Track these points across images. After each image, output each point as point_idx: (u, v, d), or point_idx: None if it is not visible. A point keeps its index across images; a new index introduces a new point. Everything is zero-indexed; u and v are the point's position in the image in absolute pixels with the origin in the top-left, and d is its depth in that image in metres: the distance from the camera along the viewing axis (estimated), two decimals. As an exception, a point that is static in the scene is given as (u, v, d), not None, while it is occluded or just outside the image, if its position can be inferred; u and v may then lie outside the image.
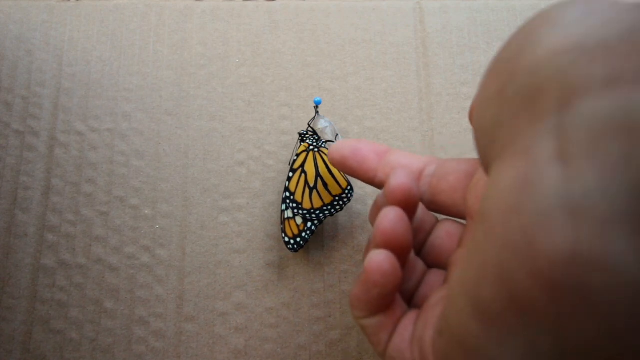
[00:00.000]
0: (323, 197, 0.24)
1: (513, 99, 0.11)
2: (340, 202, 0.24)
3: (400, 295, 0.17)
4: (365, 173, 0.19)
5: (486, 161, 0.13)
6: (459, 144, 0.27)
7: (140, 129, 0.27)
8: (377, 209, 0.18)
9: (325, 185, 0.24)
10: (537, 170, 0.10)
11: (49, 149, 0.26)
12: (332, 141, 0.25)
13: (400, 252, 0.15)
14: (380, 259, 0.15)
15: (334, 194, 0.24)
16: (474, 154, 0.26)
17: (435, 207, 0.18)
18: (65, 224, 0.25)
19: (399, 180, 0.16)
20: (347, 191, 0.24)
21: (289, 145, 0.26)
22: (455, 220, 0.18)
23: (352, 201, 0.25)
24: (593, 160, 0.09)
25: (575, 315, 0.09)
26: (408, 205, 0.16)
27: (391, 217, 0.15)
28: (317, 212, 0.24)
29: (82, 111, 0.27)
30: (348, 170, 0.19)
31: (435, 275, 0.18)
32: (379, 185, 0.18)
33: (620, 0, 0.11)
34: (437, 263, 0.18)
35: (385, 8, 0.29)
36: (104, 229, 0.25)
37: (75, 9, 0.28)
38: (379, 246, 0.15)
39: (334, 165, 0.19)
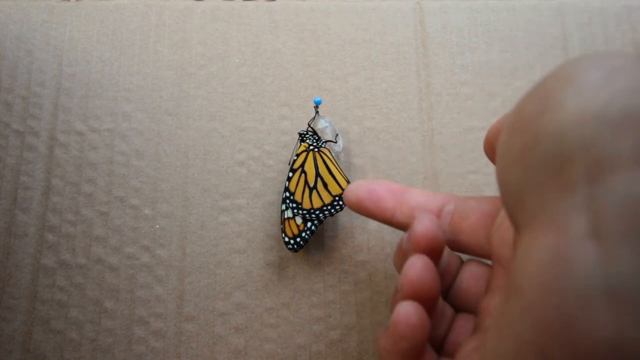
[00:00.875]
0: (323, 197, 0.24)
1: (539, 165, 0.11)
2: (341, 202, 0.24)
3: (430, 342, 0.17)
4: (382, 213, 0.18)
5: (514, 221, 0.13)
6: (459, 144, 0.27)
7: (140, 129, 0.27)
8: (401, 253, 0.17)
9: (325, 185, 0.24)
10: (572, 249, 0.09)
11: (49, 149, 0.26)
12: (332, 141, 0.25)
13: (428, 301, 0.15)
14: (408, 312, 0.14)
15: (334, 194, 0.24)
16: (473, 154, 0.26)
17: (457, 246, 0.18)
18: (65, 224, 0.25)
19: (424, 227, 0.15)
20: (347, 191, 0.24)
21: (289, 145, 0.26)
22: (480, 262, 0.18)
23: (352, 201, 0.25)
24: (630, 240, 0.09)
25: None
26: (434, 251, 0.16)
27: (418, 267, 0.15)
28: (317, 212, 0.24)
29: (82, 111, 0.27)
30: (364, 212, 0.19)
31: (464, 321, 0.17)
32: (397, 225, 0.18)
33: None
34: (465, 306, 0.18)
35: (385, 8, 0.29)
36: (104, 229, 0.25)
37: (75, 9, 0.28)
38: (406, 297, 0.15)
39: (350, 207, 0.19)
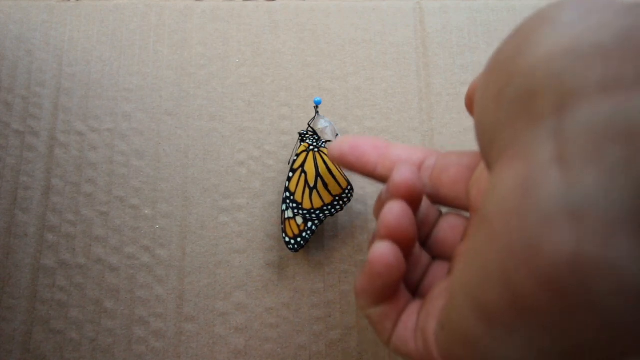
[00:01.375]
0: (323, 197, 0.24)
1: (511, 101, 0.11)
2: (341, 202, 0.24)
3: (405, 285, 0.17)
4: (364, 166, 0.19)
5: (487, 160, 0.13)
6: (459, 144, 0.27)
7: (140, 129, 0.27)
8: (381, 203, 0.18)
9: (325, 185, 0.24)
10: (537, 174, 0.10)
11: (49, 149, 0.26)
12: (332, 141, 0.25)
13: (404, 244, 0.15)
14: (383, 251, 0.15)
15: (334, 193, 0.24)
16: (474, 154, 0.26)
17: (436, 199, 0.18)
18: (65, 224, 0.25)
19: (402, 176, 0.16)
20: (347, 191, 0.24)
21: (289, 145, 0.26)
22: (458, 214, 0.19)
23: (352, 201, 0.25)
24: (593, 164, 0.09)
25: (576, 316, 0.09)
26: (412, 200, 0.16)
27: (395, 211, 0.15)
28: (317, 212, 0.24)
29: (82, 111, 0.27)
30: (347, 165, 0.19)
31: (439, 267, 0.18)
32: (379, 178, 0.19)
33: (616, 1, 0.11)
34: (442, 255, 0.18)
35: (385, 8, 0.29)
36: (104, 229, 0.25)
37: (75, 9, 0.28)
38: (383, 238, 0.15)
39: (333, 162, 0.20)
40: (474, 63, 0.28)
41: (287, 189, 0.24)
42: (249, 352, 0.23)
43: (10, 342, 0.23)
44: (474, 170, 0.17)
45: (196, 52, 0.28)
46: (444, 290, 0.16)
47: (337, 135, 0.26)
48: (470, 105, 0.17)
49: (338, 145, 0.19)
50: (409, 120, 0.27)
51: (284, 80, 0.28)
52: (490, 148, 0.12)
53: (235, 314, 0.24)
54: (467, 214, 0.18)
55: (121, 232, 0.25)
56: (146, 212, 0.25)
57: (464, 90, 0.28)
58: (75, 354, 0.23)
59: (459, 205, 0.18)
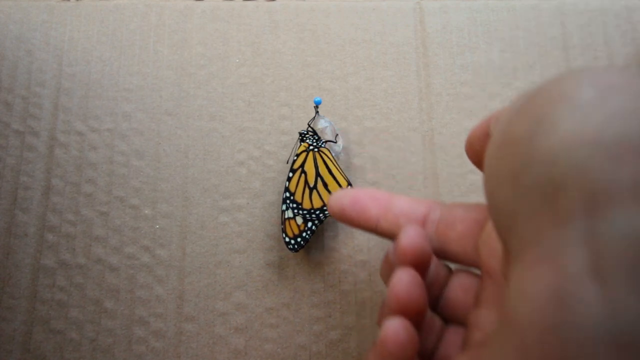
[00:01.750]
0: (323, 197, 0.24)
1: (530, 190, 0.10)
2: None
3: (419, 356, 0.16)
4: (366, 222, 0.18)
5: (505, 244, 0.12)
6: (459, 144, 0.27)
7: (140, 129, 0.27)
8: (387, 265, 0.17)
9: (325, 185, 0.24)
10: (573, 287, 0.09)
11: (49, 149, 0.26)
12: (332, 141, 0.25)
13: (416, 316, 0.15)
14: (396, 329, 0.14)
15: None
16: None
17: (443, 255, 0.17)
18: (65, 224, 0.25)
19: (410, 240, 0.15)
20: (347, 191, 0.24)
21: (289, 145, 0.26)
22: (468, 272, 0.18)
23: (352, 201, 0.25)
24: (633, 281, 0.08)
25: None
26: (420, 264, 0.15)
27: (405, 281, 0.14)
28: (317, 212, 0.24)
29: (82, 111, 0.27)
30: (348, 221, 0.18)
31: (453, 334, 0.17)
32: (382, 234, 0.18)
33: (632, 74, 0.10)
34: (454, 318, 0.17)
35: (385, 8, 0.29)
36: (104, 229, 0.25)
37: (75, 9, 0.28)
38: (394, 312, 0.14)
39: (333, 217, 0.19)
40: (474, 63, 0.28)
41: (287, 189, 0.24)
42: (249, 352, 0.23)
43: (10, 342, 0.23)
44: (482, 225, 0.16)
45: (196, 52, 0.28)
46: None
47: (337, 135, 0.26)
48: (472, 154, 0.17)
49: (338, 199, 0.18)
50: (409, 120, 0.27)
51: (284, 80, 0.28)
52: (508, 234, 0.12)
53: (235, 314, 0.24)
54: (476, 271, 0.17)
55: (121, 232, 0.25)
56: (146, 212, 0.25)
57: (464, 90, 0.28)
58: (75, 354, 0.23)
59: (467, 261, 0.17)
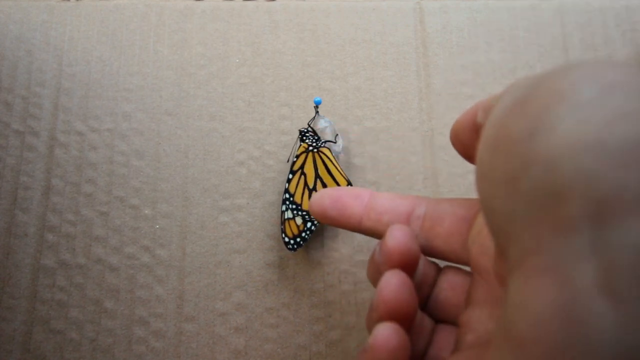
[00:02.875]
0: (323, 197, 0.24)
1: (529, 195, 0.10)
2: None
3: (410, 357, 0.16)
4: (348, 221, 0.17)
5: (501, 249, 0.12)
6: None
7: (140, 129, 0.27)
8: (374, 266, 0.16)
9: (324, 186, 0.24)
10: (581, 302, 0.08)
11: (49, 149, 0.26)
12: (332, 141, 0.25)
13: (406, 319, 0.14)
14: (387, 334, 0.14)
15: (334, 194, 0.24)
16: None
17: (429, 252, 0.17)
18: (65, 224, 0.25)
19: (396, 241, 0.15)
20: (347, 191, 0.24)
21: (289, 145, 0.26)
22: (458, 269, 0.17)
23: (352, 201, 0.25)
24: None
25: None
26: (409, 264, 0.15)
27: (393, 285, 0.14)
28: (317, 212, 0.24)
29: (82, 111, 0.27)
30: (329, 221, 0.18)
31: (444, 334, 0.17)
32: (366, 232, 0.18)
33: (633, 71, 0.10)
34: (445, 317, 0.17)
35: (385, 8, 0.29)
36: (104, 229, 0.25)
37: (75, 9, 0.28)
38: (383, 317, 0.14)
39: (316, 218, 0.18)
40: (474, 63, 0.28)
41: (286, 190, 0.24)
42: (249, 352, 0.23)
43: (10, 342, 0.23)
44: (471, 221, 0.16)
45: (196, 52, 0.28)
46: None
47: (337, 135, 0.26)
48: (457, 143, 0.16)
49: (318, 200, 0.18)
50: (409, 120, 0.27)
51: (284, 80, 0.28)
52: (505, 239, 0.11)
53: (235, 314, 0.24)
54: (466, 268, 0.17)
55: (121, 232, 0.25)
56: (146, 212, 0.25)
57: (464, 90, 0.28)
58: (75, 354, 0.23)
59: (455, 259, 0.17)
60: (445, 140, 0.27)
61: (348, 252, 0.25)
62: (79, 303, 0.24)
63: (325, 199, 0.18)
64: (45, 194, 0.25)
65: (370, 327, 0.15)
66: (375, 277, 0.16)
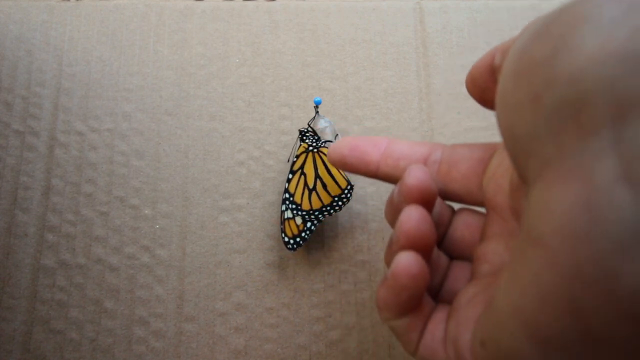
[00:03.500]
0: (322, 198, 0.24)
1: (553, 110, 0.10)
2: (339, 203, 0.24)
3: (427, 291, 0.17)
4: (367, 167, 0.18)
5: (522, 170, 0.12)
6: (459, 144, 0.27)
7: (140, 129, 0.27)
8: (393, 207, 0.17)
9: (324, 186, 0.24)
10: (603, 195, 0.09)
11: (49, 149, 0.26)
12: (332, 141, 0.25)
13: (425, 251, 0.15)
14: (408, 262, 0.14)
15: (333, 194, 0.24)
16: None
17: (445, 195, 0.18)
18: (65, 224, 0.25)
19: (415, 178, 0.15)
20: (346, 192, 0.24)
21: (289, 145, 0.26)
22: (472, 210, 0.18)
23: (352, 201, 0.25)
24: None
25: None
26: (427, 202, 0.15)
27: (414, 217, 0.15)
28: (317, 213, 0.24)
29: (82, 111, 0.27)
30: (348, 167, 0.19)
31: (459, 269, 0.17)
32: (383, 177, 0.18)
33: None
34: (459, 255, 0.18)
35: (385, 8, 0.29)
36: (104, 229, 0.25)
37: (75, 9, 0.28)
38: (404, 247, 0.15)
39: (334, 165, 0.19)
40: (474, 63, 0.28)
41: (286, 190, 0.24)
42: (249, 352, 0.23)
43: (10, 342, 0.23)
44: (486, 163, 0.17)
45: (196, 52, 0.28)
46: (474, 298, 0.15)
47: (337, 135, 0.26)
48: (473, 88, 0.17)
49: (337, 148, 0.19)
50: (409, 120, 0.27)
51: (284, 80, 0.28)
52: (525, 159, 0.12)
53: (235, 314, 0.24)
54: (480, 209, 0.17)
55: (121, 232, 0.25)
56: (146, 212, 0.25)
57: (464, 90, 0.28)
58: (75, 354, 0.23)
59: (470, 200, 0.17)
60: (445, 140, 0.27)
61: (348, 252, 0.25)
62: (79, 303, 0.24)
63: (344, 147, 0.18)
64: (45, 194, 0.25)
65: (389, 261, 0.16)
66: (393, 217, 0.17)
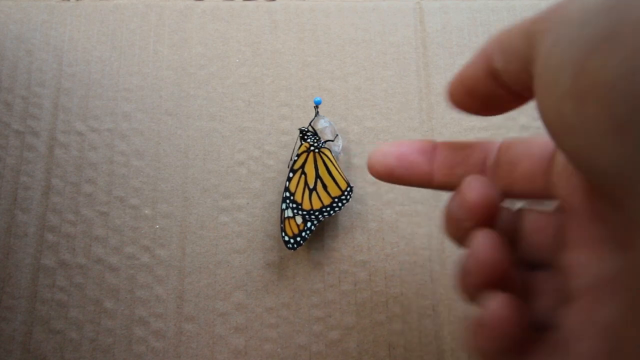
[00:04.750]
0: (322, 199, 0.24)
1: None
2: (339, 204, 0.24)
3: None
4: (419, 179, 0.17)
5: (610, 199, 0.11)
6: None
7: (140, 129, 0.27)
8: (453, 221, 0.16)
9: (324, 187, 0.24)
10: None
11: (49, 149, 0.26)
12: (331, 141, 0.25)
13: (507, 281, 0.13)
14: (500, 307, 0.12)
15: (333, 195, 0.24)
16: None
17: (509, 195, 0.16)
18: (65, 224, 0.25)
19: (476, 193, 0.14)
20: (346, 192, 0.24)
21: (289, 145, 0.26)
22: (538, 210, 0.16)
23: (352, 201, 0.25)
24: None
25: None
26: (491, 216, 0.14)
27: (488, 246, 0.13)
28: (317, 213, 0.24)
29: (82, 111, 0.27)
30: (397, 181, 0.17)
31: (540, 282, 0.15)
32: (438, 187, 0.17)
33: None
34: (534, 264, 0.16)
35: (385, 8, 0.29)
36: (104, 229, 0.25)
37: (75, 9, 0.28)
38: (486, 285, 0.13)
39: (380, 179, 0.17)
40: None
41: (287, 189, 0.24)
42: (249, 352, 0.23)
43: (10, 342, 0.23)
44: (549, 159, 0.15)
45: (196, 52, 0.28)
46: (584, 323, 0.13)
47: (337, 135, 0.26)
48: (469, 99, 0.15)
49: (382, 160, 0.17)
50: (409, 120, 0.27)
51: (284, 80, 0.28)
52: (622, 191, 0.10)
53: (235, 314, 0.24)
54: (547, 208, 0.16)
55: (121, 232, 0.25)
56: (146, 212, 0.25)
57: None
58: (75, 354, 0.23)
59: (535, 196, 0.16)
60: (445, 140, 0.27)
61: (348, 252, 0.25)
62: (79, 303, 0.24)
63: (388, 157, 0.17)
64: (45, 194, 0.25)
65: (466, 292, 0.15)
66: (455, 232, 0.16)
